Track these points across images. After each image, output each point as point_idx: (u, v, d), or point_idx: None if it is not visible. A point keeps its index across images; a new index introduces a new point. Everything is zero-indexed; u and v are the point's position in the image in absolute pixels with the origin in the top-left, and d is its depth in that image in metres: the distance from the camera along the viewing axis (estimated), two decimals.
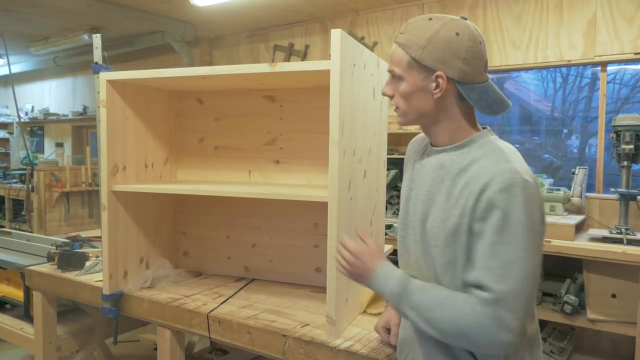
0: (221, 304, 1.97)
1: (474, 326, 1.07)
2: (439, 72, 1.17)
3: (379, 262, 1.26)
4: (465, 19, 1.21)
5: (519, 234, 1.07)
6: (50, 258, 2.51)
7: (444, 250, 1.18)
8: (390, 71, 1.25)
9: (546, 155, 5.05)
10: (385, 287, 1.22)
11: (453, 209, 1.16)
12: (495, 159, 1.15)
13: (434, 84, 1.18)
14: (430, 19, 1.19)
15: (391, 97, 1.27)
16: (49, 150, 7.41)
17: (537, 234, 1.10)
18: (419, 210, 1.27)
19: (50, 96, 7.75)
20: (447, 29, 1.16)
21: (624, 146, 3.08)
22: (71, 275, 2.35)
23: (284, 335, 1.68)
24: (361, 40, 4.46)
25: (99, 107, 2.07)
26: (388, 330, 1.54)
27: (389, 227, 3.53)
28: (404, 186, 1.38)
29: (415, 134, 1.45)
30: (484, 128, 1.26)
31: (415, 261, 1.28)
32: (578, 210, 3.48)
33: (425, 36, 1.17)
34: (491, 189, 1.10)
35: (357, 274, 1.29)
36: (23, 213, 5.51)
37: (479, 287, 1.09)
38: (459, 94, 1.20)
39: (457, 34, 1.16)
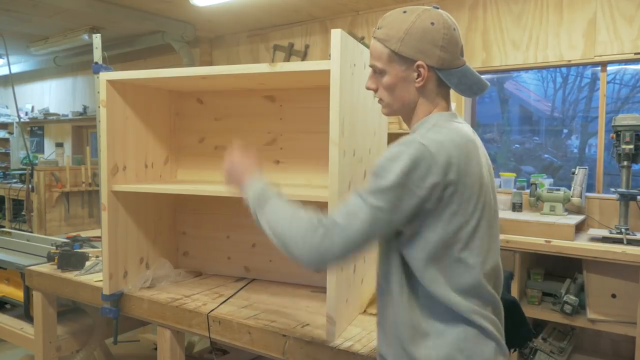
0: (221, 304, 1.97)
1: (295, 233, 1.20)
2: (419, 62, 1.21)
3: (252, 173, 1.42)
4: (438, 7, 1.26)
5: (377, 174, 1.13)
6: (50, 258, 2.51)
7: None
8: (371, 66, 1.28)
9: (546, 155, 5.05)
10: (249, 190, 1.37)
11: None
12: (418, 132, 1.20)
13: (415, 74, 1.22)
14: (405, 11, 1.24)
15: (375, 91, 1.31)
16: (49, 150, 7.41)
17: (405, 190, 1.10)
18: None
19: (50, 96, 7.75)
20: (422, 19, 1.21)
21: (624, 146, 3.08)
22: (71, 275, 2.35)
23: (284, 335, 1.68)
24: (361, 40, 4.46)
25: (99, 107, 2.07)
26: None
27: None
28: None
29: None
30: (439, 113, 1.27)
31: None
32: (578, 210, 3.48)
33: (403, 29, 1.21)
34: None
35: (234, 177, 1.45)
36: (23, 213, 5.50)
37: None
38: (439, 80, 1.24)
39: (432, 23, 1.20)
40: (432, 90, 1.25)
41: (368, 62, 1.80)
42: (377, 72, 1.27)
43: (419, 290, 1.18)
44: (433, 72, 1.23)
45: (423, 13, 1.21)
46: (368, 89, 1.31)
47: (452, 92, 1.29)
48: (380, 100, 1.31)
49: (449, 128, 1.20)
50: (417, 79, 1.22)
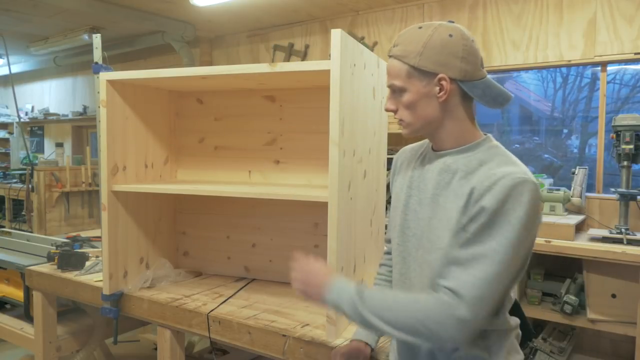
0: (221, 304, 1.97)
1: (428, 319, 1.07)
2: (441, 75, 1.17)
3: (331, 276, 1.24)
4: (453, 22, 1.22)
5: (509, 229, 1.07)
6: (50, 258, 2.51)
7: (444, 252, 1.17)
8: (390, 86, 1.24)
9: (546, 155, 5.05)
10: (342, 298, 1.18)
11: (458, 211, 1.15)
12: (504, 162, 1.16)
13: (437, 88, 1.18)
14: (421, 27, 1.20)
15: (394, 112, 1.26)
16: (49, 150, 7.41)
17: (529, 234, 1.10)
18: (424, 215, 1.24)
19: (50, 96, 7.75)
20: (439, 32, 1.17)
21: (624, 146, 3.08)
22: (71, 275, 2.35)
23: (284, 335, 1.68)
24: (361, 40, 4.46)
25: (99, 107, 2.07)
26: None
27: None
28: (399, 194, 1.34)
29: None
30: (485, 134, 1.27)
31: (418, 266, 1.26)
32: (578, 210, 3.48)
33: (420, 43, 1.17)
34: (497, 187, 1.09)
35: (311, 291, 1.24)
36: (23, 213, 5.50)
37: (448, 274, 1.11)
38: (462, 94, 1.20)
39: (450, 35, 1.17)
40: (456, 104, 1.20)
41: (368, 62, 1.81)
42: (397, 91, 1.22)
43: None
44: (456, 85, 1.18)
45: (440, 27, 1.19)
46: (387, 110, 1.26)
47: None
48: (401, 121, 1.25)
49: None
50: (439, 93, 1.18)
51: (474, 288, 1.06)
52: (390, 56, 1.23)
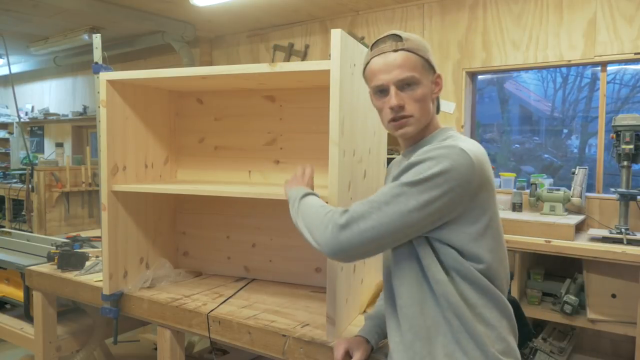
0: (221, 304, 1.97)
1: (317, 221, 1.22)
2: (438, 72, 1.27)
3: (302, 183, 1.49)
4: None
5: (413, 175, 1.12)
6: (50, 258, 2.51)
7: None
8: (401, 80, 1.22)
9: (546, 155, 5.05)
10: (290, 197, 1.42)
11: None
12: (445, 140, 1.23)
13: (433, 85, 1.27)
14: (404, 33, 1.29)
15: (402, 108, 1.24)
16: (49, 150, 7.41)
17: (444, 190, 1.11)
18: None
19: (50, 96, 7.75)
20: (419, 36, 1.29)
21: (624, 146, 3.08)
22: (71, 275, 2.35)
23: (284, 335, 1.68)
24: (361, 40, 4.46)
25: (99, 107, 2.07)
26: (349, 355, 1.48)
27: None
28: None
29: None
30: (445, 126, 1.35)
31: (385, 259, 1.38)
32: (578, 210, 3.48)
33: (422, 41, 1.27)
34: (421, 151, 1.17)
35: (287, 186, 1.51)
36: (23, 213, 5.50)
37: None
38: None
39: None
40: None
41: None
42: (410, 85, 1.23)
43: None
44: None
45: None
46: (398, 106, 1.23)
47: (451, 92, 1.33)
48: (409, 118, 1.24)
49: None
50: (436, 89, 1.27)
51: (358, 205, 1.16)
52: (398, 50, 1.23)
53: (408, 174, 1.13)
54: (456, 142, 1.17)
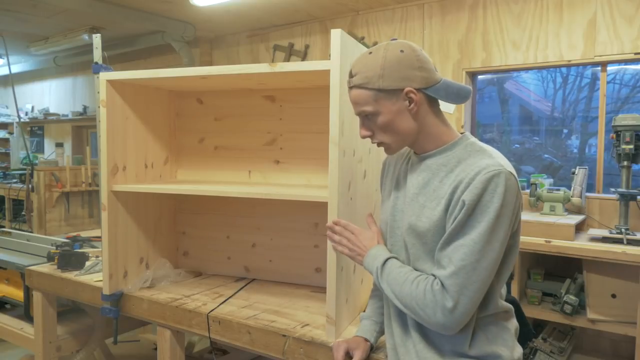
0: (221, 304, 1.97)
1: (421, 304, 1.20)
2: (407, 88, 1.24)
3: (375, 244, 1.38)
4: (396, 39, 1.31)
5: (485, 220, 1.15)
6: (50, 258, 2.51)
7: (433, 247, 1.25)
8: (360, 113, 1.30)
9: (546, 155, 5.05)
10: (372, 264, 1.34)
11: (439, 207, 1.23)
12: (480, 156, 1.23)
13: (406, 102, 1.25)
14: (370, 52, 1.27)
15: (371, 137, 1.32)
16: (49, 150, 7.41)
17: (507, 221, 1.18)
18: (406, 215, 1.32)
19: (50, 96, 7.74)
20: (391, 51, 1.24)
21: (624, 146, 3.07)
22: (71, 275, 2.35)
23: (284, 335, 1.68)
24: (361, 40, 4.46)
25: (99, 107, 2.07)
26: (349, 356, 1.49)
27: None
28: (388, 198, 1.44)
29: None
30: (462, 134, 1.33)
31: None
32: (578, 210, 3.48)
33: (378, 66, 1.24)
34: (474, 182, 1.17)
35: (356, 252, 1.40)
36: (23, 213, 5.50)
37: (439, 263, 1.21)
38: (429, 100, 1.28)
39: (402, 51, 1.24)
40: (427, 111, 1.28)
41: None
42: (369, 117, 1.28)
43: None
44: (421, 94, 1.26)
45: (389, 46, 1.26)
46: (364, 137, 1.32)
47: None
48: (381, 144, 1.32)
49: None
50: (410, 105, 1.25)
51: (457, 277, 1.16)
52: (352, 87, 1.29)
53: (477, 218, 1.16)
54: (495, 159, 1.21)
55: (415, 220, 1.28)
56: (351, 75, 1.28)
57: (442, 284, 1.18)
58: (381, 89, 1.24)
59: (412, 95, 1.24)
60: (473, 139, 1.31)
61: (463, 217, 1.17)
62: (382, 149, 1.38)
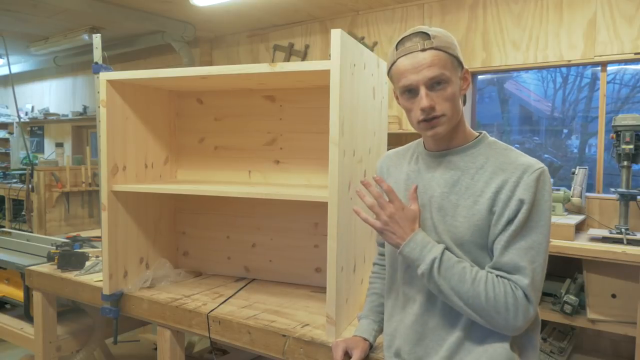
0: (221, 304, 1.97)
1: (500, 307, 1.14)
2: (466, 67, 1.23)
3: (416, 227, 1.25)
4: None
5: (543, 218, 1.17)
6: (50, 258, 2.51)
7: (471, 247, 1.21)
8: (433, 78, 1.18)
9: (546, 155, 5.05)
10: (421, 253, 1.20)
11: (478, 205, 1.20)
12: (513, 154, 1.22)
13: (462, 81, 1.24)
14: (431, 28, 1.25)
15: (433, 109, 1.19)
16: (49, 150, 7.41)
17: (551, 216, 1.20)
18: (433, 217, 1.26)
19: (50, 96, 7.75)
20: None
21: (624, 146, 3.07)
22: (71, 275, 2.35)
23: (284, 335, 1.68)
24: (361, 40, 4.46)
25: (99, 107, 2.07)
26: (348, 355, 1.47)
27: None
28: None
29: (415, 133, 1.37)
30: (480, 132, 1.32)
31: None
32: (578, 210, 3.48)
33: (450, 36, 1.22)
34: (525, 180, 1.16)
35: (392, 233, 1.25)
36: (23, 213, 5.50)
37: (516, 268, 1.15)
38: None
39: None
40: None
41: (368, 62, 1.80)
42: (442, 83, 1.19)
43: None
44: None
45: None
46: (428, 108, 1.18)
47: None
48: (441, 117, 1.20)
49: None
50: (464, 86, 1.24)
51: (533, 283, 1.15)
52: (428, 49, 1.18)
53: (537, 217, 1.17)
54: (528, 157, 1.22)
55: (451, 219, 1.22)
56: (426, 37, 1.18)
57: (525, 292, 1.14)
58: (458, 58, 1.21)
59: (467, 75, 1.23)
60: (492, 138, 1.30)
61: (524, 216, 1.15)
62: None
